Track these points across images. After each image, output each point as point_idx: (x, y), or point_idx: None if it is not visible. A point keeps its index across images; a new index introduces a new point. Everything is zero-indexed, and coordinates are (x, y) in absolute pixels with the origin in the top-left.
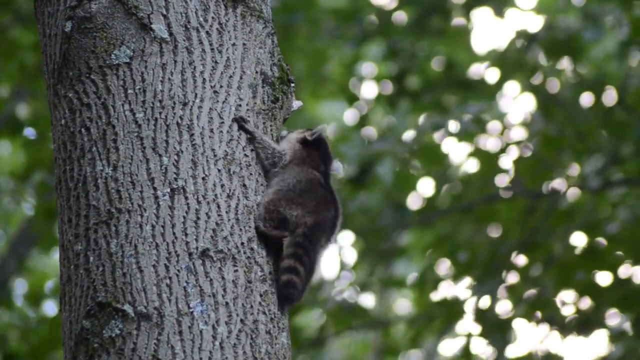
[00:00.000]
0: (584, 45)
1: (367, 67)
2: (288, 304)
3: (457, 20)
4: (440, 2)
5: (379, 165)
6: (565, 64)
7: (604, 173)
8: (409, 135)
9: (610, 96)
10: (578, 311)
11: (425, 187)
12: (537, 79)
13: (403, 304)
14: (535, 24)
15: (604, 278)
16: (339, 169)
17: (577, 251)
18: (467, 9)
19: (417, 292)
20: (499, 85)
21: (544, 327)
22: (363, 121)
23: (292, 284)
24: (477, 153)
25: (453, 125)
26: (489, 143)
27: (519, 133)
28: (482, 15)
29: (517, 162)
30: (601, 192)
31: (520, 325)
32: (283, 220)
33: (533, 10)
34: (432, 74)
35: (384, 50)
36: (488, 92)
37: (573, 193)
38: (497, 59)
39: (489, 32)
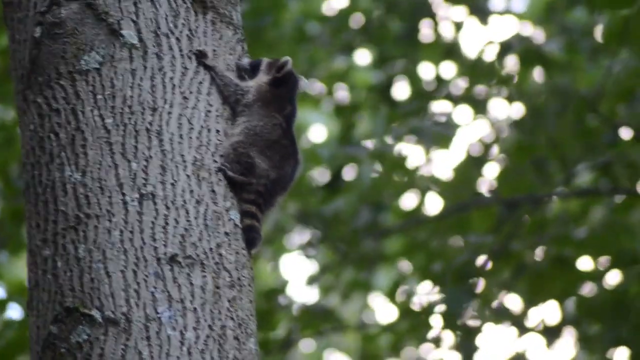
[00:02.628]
0: (560, 57)
1: (354, 76)
2: (252, 247)
3: (445, 32)
4: (427, 13)
5: (357, 168)
6: (540, 73)
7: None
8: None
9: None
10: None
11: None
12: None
13: (385, 310)
14: (513, 32)
15: (575, 286)
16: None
17: (547, 261)
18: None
19: (391, 300)
20: (480, 94)
21: (513, 333)
22: (349, 129)
23: (255, 229)
24: (454, 160)
25: (425, 130)
26: (465, 150)
27: (492, 139)
28: (470, 25)
29: (492, 171)
30: (578, 200)
31: (489, 331)
32: (251, 166)
33: (518, 16)
34: (421, 85)
35: (373, 58)
36: (474, 102)
37: (547, 202)
38: (470, 67)
39: (476, 41)
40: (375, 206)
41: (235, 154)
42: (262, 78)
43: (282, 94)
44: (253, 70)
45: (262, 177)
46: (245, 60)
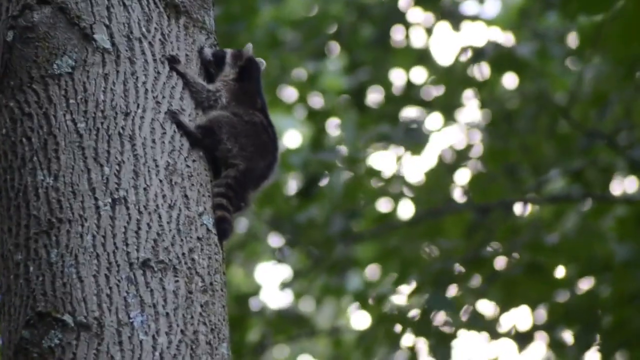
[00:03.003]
0: (532, 61)
1: (325, 81)
2: (224, 238)
3: (417, 36)
4: (399, 18)
5: (330, 175)
6: (511, 78)
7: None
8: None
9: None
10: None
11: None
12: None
13: (359, 315)
14: (485, 38)
15: (549, 292)
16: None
17: (522, 267)
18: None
19: (363, 305)
20: (453, 100)
21: (485, 338)
22: (320, 135)
23: (226, 220)
24: (426, 165)
25: (398, 135)
26: (437, 156)
27: (465, 145)
28: (441, 30)
29: (465, 176)
30: (551, 206)
31: (463, 337)
32: (212, 133)
33: (490, 23)
34: (392, 90)
35: (344, 63)
36: (445, 108)
37: (519, 208)
38: (444, 74)
39: (447, 47)
40: (348, 213)
41: (209, 121)
42: (229, 74)
43: (251, 88)
44: (217, 62)
45: (230, 164)
46: (208, 51)
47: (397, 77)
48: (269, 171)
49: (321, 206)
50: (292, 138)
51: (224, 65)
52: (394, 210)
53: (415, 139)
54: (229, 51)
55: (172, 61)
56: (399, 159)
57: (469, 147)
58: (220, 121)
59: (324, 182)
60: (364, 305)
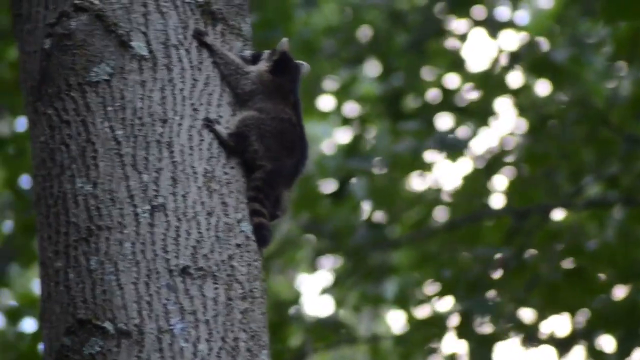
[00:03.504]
0: (567, 66)
1: (360, 88)
2: (264, 245)
3: (451, 42)
4: (435, 25)
5: (354, 181)
6: (545, 85)
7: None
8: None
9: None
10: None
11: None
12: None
13: (397, 321)
14: (519, 43)
15: (590, 298)
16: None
17: (562, 272)
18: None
19: (402, 310)
20: (489, 106)
21: (526, 345)
22: (356, 141)
23: (264, 226)
24: (463, 171)
25: (434, 143)
26: (475, 161)
27: (506, 149)
28: (476, 37)
29: (502, 181)
30: (588, 211)
31: (504, 342)
32: (244, 138)
33: (522, 29)
34: (427, 96)
35: (379, 70)
36: (480, 114)
37: (559, 213)
38: (481, 79)
39: (482, 53)
40: (376, 222)
41: (237, 126)
42: (263, 66)
43: (284, 84)
44: (254, 61)
45: (256, 165)
46: (247, 52)
47: (432, 83)
48: (298, 168)
49: (352, 212)
50: (327, 146)
51: (260, 62)
52: (429, 215)
53: (451, 146)
54: (267, 51)
55: (199, 34)
56: (432, 165)
57: (504, 152)
58: (248, 124)
59: (354, 185)
60: (404, 310)
